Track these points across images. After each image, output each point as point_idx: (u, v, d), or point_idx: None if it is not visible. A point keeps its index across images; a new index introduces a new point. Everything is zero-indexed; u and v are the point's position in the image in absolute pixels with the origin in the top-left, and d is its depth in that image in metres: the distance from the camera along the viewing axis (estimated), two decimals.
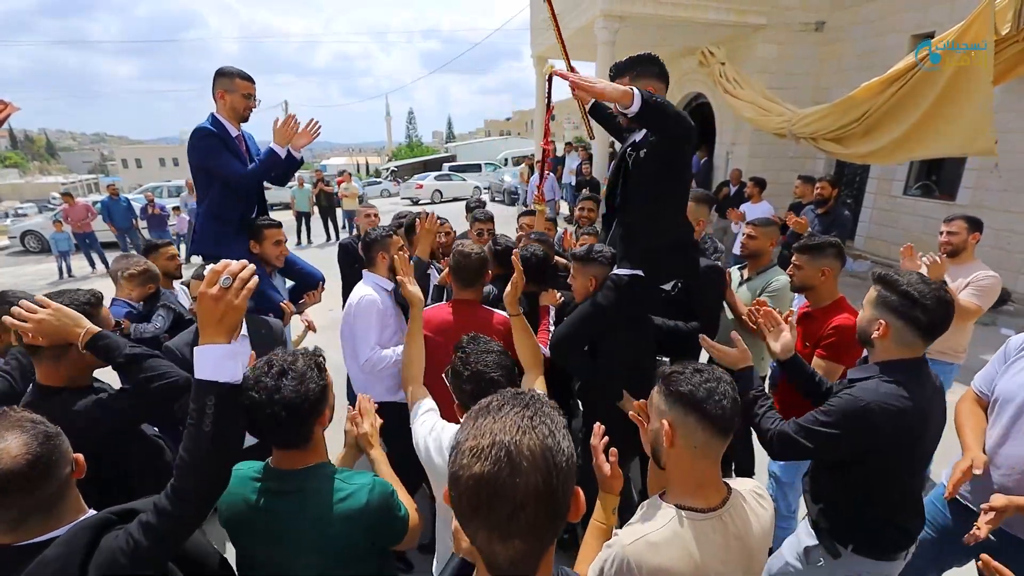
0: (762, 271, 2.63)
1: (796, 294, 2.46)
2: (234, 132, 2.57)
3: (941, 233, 3.01)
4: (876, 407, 1.37)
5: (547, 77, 2.40)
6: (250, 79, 2.53)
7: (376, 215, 3.93)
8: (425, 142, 66.75)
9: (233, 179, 2.49)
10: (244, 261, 1.02)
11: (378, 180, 26.60)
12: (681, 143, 1.94)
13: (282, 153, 2.50)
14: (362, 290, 2.41)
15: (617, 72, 2.06)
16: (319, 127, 2.61)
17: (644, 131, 2.05)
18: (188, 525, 0.99)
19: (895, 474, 1.46)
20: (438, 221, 3.78)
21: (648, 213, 2.06)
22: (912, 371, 1.44)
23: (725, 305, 2.54)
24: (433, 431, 1.45)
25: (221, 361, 0.98)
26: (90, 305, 1.45)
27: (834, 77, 8.30)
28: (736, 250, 5.28)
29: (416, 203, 18.00)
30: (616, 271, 2.16)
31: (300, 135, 2.57)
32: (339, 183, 12.20)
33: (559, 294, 2.54)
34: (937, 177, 7.38)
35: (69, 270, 9.19)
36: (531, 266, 2.36)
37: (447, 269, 2.64)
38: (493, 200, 17.45)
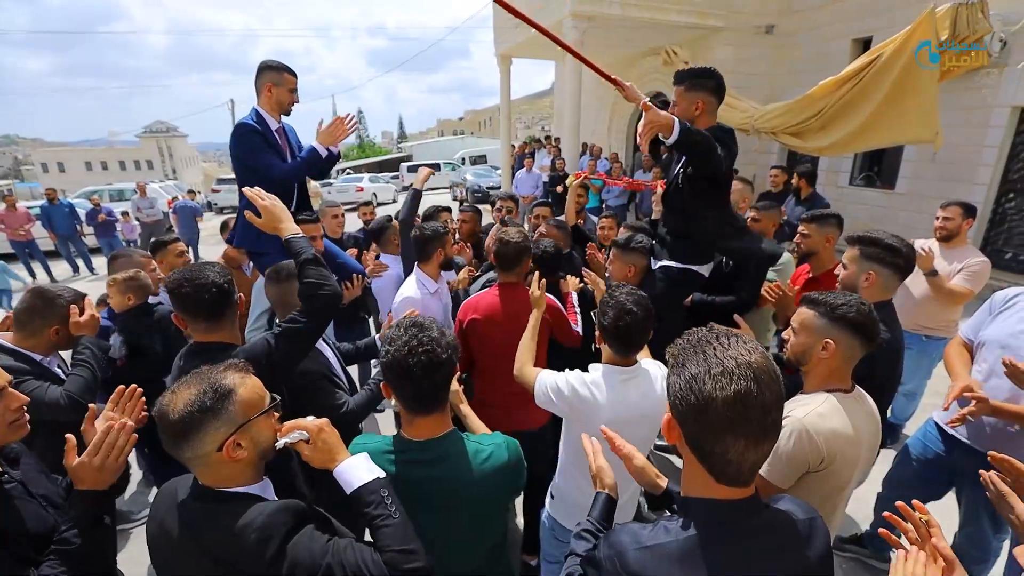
0: None
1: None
2: (275, 125, 2.57)
3: (937, 218, 3.05)
4: None
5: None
6: (295, 74, 2.54)
7: (342, 215, 3.87)
8: (376, 142, 65.29)
9: (273, 176, 2.46)
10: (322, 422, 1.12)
11: (330, 181, 25.84)
12: (711, 179, 2.19)
13: (323, 152, 2.53)
14: (407, 290, 2.45)
15: (677, 79, 2.22)
16: (356, 121, 2.63)
17: None
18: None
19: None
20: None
21: (697, 222, 2.31)
22: (889, 310, 1.75)
23: None
24: (562, 374, 1.61)
25: (354, 474, 1.05)
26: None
27: (786, 78, 8.91)
28: None
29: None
30: (666, 263, 2.33)
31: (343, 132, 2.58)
32: None
33: (578, 280, 2.59)
34: (879, 168, 8.08)
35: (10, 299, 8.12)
36: (544, 262, 2.43)
37: (464, 272, 2.76)
38: (455, 199, 17.36)
